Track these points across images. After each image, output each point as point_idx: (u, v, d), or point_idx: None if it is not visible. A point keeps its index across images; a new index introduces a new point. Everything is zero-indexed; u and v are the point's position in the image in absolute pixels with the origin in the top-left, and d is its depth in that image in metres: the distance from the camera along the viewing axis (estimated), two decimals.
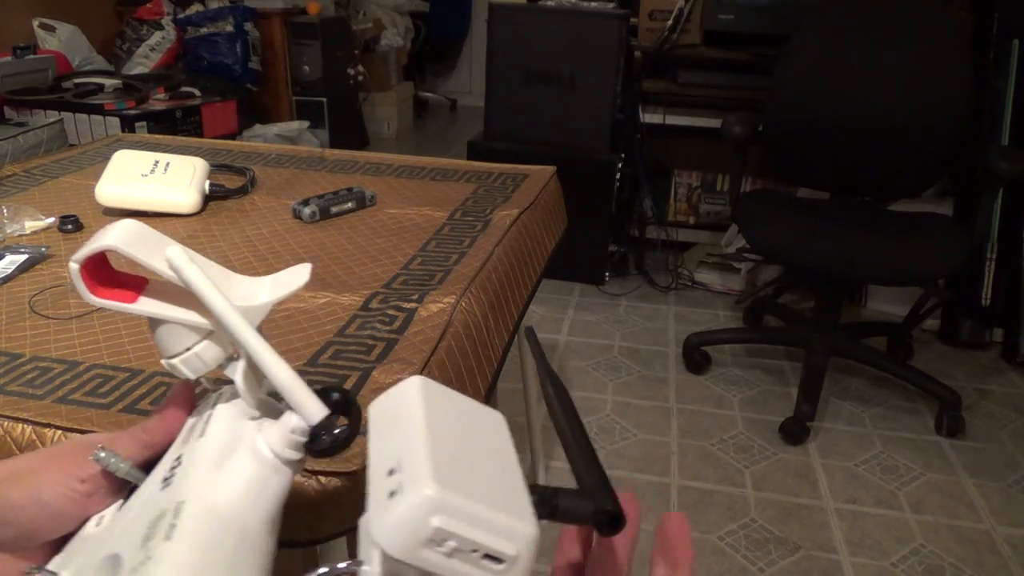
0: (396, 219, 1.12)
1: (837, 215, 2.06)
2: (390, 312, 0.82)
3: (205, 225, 1.08)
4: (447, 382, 0.73)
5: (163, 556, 0.32)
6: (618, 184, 2.68)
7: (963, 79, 1.98)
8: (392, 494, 0.31)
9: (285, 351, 0.74)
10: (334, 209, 1.12)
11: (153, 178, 1.11)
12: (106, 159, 1.15)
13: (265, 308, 0.41)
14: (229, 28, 3.28)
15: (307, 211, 1.09)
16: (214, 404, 0.41)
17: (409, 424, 0.34)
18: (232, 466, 0.37)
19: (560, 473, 1.78)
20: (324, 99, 3.71)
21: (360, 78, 4.09)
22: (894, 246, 1.85)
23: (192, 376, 0.41)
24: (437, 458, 0.32)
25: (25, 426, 0.62)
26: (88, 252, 0.38)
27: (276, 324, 0.79)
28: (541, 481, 1.64)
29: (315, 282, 0.89)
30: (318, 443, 0.38)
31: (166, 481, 0.37)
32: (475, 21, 5.45)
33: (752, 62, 2.56)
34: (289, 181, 1.29)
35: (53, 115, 2.43)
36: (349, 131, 4.01)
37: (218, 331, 0.40)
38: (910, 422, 2.03)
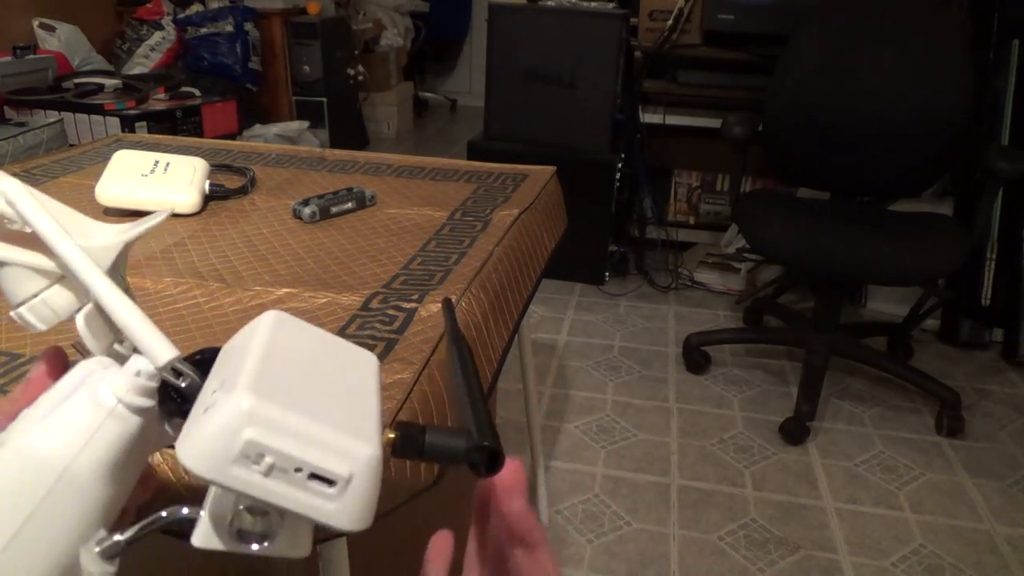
0: (396, 219, 1.12)
1: (837, 215, 2.06)
2: (390, 312, 0.82)
3: (205, 225, 1.08)
4: (447, 382, 0.73)
5: None
6: (618, 184, 2.68)
7: (963, 79, 1.98)
8: (207, 410, 0.29)
9: None
10: (334, 209, 1.12)
11: (153, 178, 1.11)
12: (106, 159, 1.15)
13: (114, 248, 0.38)
14: (229, 28, 3.28)
15: (307, 211, 1.09)
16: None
17: (246, 351, 0.32)
18: (62, 411, 0.34)
19: (559, 472, 1.78)
20: (324, 99, 3.71)
21: (360, 78, 4.09)
22: (894, 246, 1.85)
23: (42, 327, 0.37)
24: (263, 375, 0.29)
25: None
26: None
27: None
28: (540, 482, 1.64)
29: (315, 282, 0.89)
30: (182, 379, 0.35)
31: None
32: (475, 21, 5.45)
33: (752, 62, 2.56)
34: (289, 181, 1.29)
35: (53, 115, 2.43)
36: (349, 131, 4.00)
37: (69, 276, 0.36)
38: (910, 422, 2.03)
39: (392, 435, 0.32)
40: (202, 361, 0.36)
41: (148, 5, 3.31)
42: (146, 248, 0.99)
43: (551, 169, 1.38)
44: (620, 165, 2.66)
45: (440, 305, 0.82)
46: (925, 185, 2.18)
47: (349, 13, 4.24)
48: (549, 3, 2.68)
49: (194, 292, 0.86)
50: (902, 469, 1.84)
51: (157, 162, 1.14)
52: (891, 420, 2.03)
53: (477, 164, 1.40)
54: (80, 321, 0.36)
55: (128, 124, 2.43)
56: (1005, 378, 2.26)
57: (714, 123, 2.49)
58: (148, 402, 0.35)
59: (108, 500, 0.34)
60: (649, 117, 2.74)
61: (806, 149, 2.15)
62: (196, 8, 3.36)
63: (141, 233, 0.39)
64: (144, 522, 0.32)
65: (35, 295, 0.37)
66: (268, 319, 0.34)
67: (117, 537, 0.33)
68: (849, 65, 2.07)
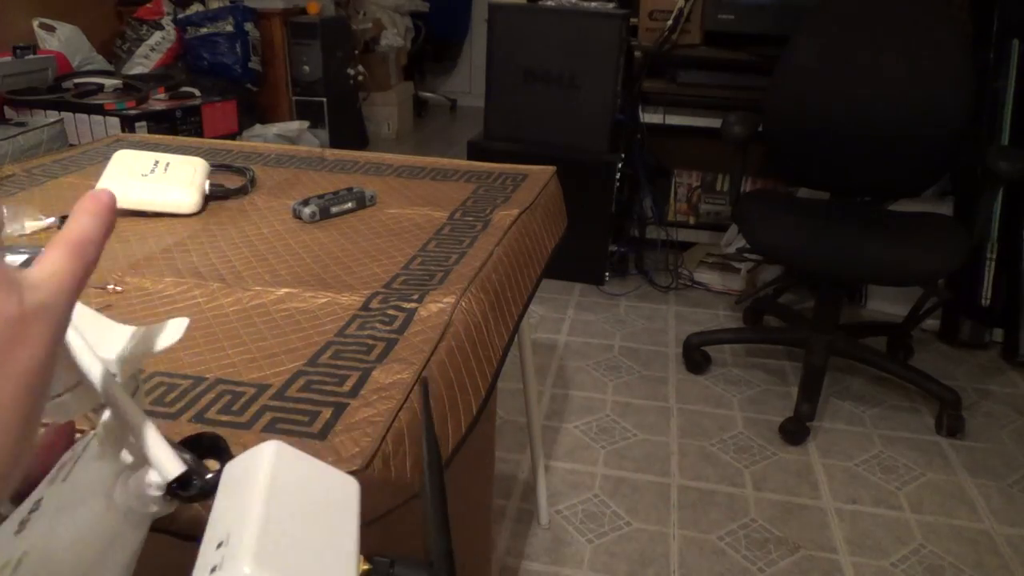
0: (396, 219, 1.12)
1: (837, 215, 2.06)
2: (390, 312, 0.82)
3: (205, 225, 1.08)
4: (447, 382, 0.73)
5: None
6: (618, 184, 2.68)
7: (963, 79, 1.98)
8: (213, 569, 0.31)
9: (285, 351, 0.74)
10: (334, 209, 1.12)
11: (153, 178, 1.11)
12: (106, 159, 1.15)
13: (134, 363, 0.41)
14: (229, 28, 3.28)
15: (307, 211, 1.09)
16: (87, 444, 0.41)
17: (249, 495, 0.34)
18: (83, 518, 0.37)
19: (559, 472, 1.78)
20: (324, 99, 3.71)
21: (360, 78, 4.09)
22: (894, 246, 1.85)
23: (62, 420, 0.40)
24: (265, 534, 0.32)
25: None
26: None
27: (276, 324, 0.79)
28: (540, 482, 1.64)
29: (315, 282, 0.89)
30: (190, 489, 0.39)
31: (21, 525, 0.38)
32: (475, 21, 5.45)
33: (752, 62, 2.56)
34: (289, 181, 1.29)
35: (53, 115, 2.43)
36: (349, 131, 4.00)
37: (86, 381, 0.40)
38: (910, 422, 2.03)
39: (366, 567, 0.36)
40: (199, 446, 0.40)
41: (148, 5, 3.31)
42: (146, 248, 0.99)
43: (551, 169, 1.38)
44: (620, 165, 2.66)
45: (440, 306, 0.82)
46: (925, 185, 2.18)
47: (349, 13, 4.24)
48: (549, 3, 2.68)
49: (194, 292, 0.86)
50: (902, 469, 1.84)
51: (157, 162, 1.14)
52: (891, 420, 2.03)
53: (477, 164, 1.40)
54: (100, 432, 0.39)
55: (128, 124, 2.43)
56: (1005, 378, 2.26)
57: (714, 123, 2.49)
58: (156, 508, 0.38)
59: None
60: (649, 117, 2.74)
61: (806, 149, 2.15)
62: (196, 8, 3.36)
63: (157, 352, 0.41)
64: None
65: (58, 396, 0.39)
66: (269, 453, 0.37)
67: None
68: (849, 65, 2.07)
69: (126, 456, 0.40)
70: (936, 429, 1.99)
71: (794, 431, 1.91)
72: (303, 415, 0.63)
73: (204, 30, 3.27)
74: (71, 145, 2.31)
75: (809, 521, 1.66)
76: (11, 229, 1.01)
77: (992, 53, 2.32)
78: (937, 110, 2.00)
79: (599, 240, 2.72)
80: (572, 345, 2.35)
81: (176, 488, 0.38)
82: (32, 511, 0.38)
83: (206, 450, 0.40)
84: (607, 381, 2.16)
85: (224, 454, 0.41)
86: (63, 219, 1.04)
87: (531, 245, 1.11)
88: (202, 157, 1.20)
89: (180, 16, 3.31)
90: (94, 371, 0.38)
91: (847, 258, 1.84)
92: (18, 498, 0.41)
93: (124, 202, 1.10)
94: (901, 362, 2.24)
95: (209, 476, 0.39)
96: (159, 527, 0.39)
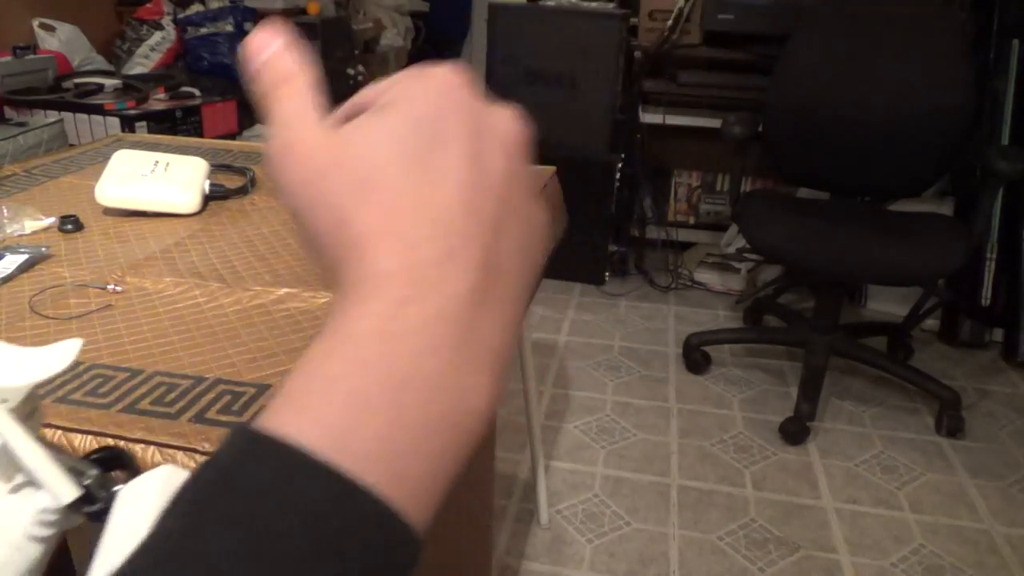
0: None
1: (837, 215, 2.06)
2: None
3: (205, 225, 1.08)
4: None
5: None
6: (618, 184, 2.68)
7: (963, 79, 1.98)
8: None
9: (285, 351, 0.74)
10: None
11: (153, 178, 1.11)
12: (106, 159, 1.15)
13: (23, 389, 0.40)
14: (229, 28, 3.28)
15: None
16: None
17: (138, 523, 0.34)
18: None
19: (559, 472, 1.78)
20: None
21: (360, 78, 4.09)
22: (894, 246, 1.85)
23: None
24: None
25: None
26: None
27: (276, 324, 0.79)
28: (540, 482, 1.64)
29: (315, 282, 0.89)
30: (96, 505, 0.39)
31: None
32: (475, 21, 5.45)
33: (752, 62, 2.56)
34: None
35: (53, 115, 2.43)
36: None
37: None
38: (910, 422, 2.03)
39: None
40: (104, 461, 0.40)
41: (148, 5, 3.32)
42: (146, 248, 0.99)
43: (551, 169, 1.37)
44: (620, 165, 2.66)
45: None
46: (925, 185, 2.18)
47: (349, 13, 4.24)
48: (549, 3, 2.68)
49: (194, 292, 0.86)
50: (902, 469, 1.84)
51: (157, 162, 1.14)
52: (891, 420, 2.03)
53: None
54: None
55: (128, 124, 2.43)
56: (1005, 378, 2.26)
57: (714, 123, 2.49)
58: (50, 532, 0.38)
59: None
60: (649, 117, 2.74)
61: (806, 149, 2.15)
62: (196, 8, 3.36)
63: (48, 378, 0.41)
64: None
65: None
66: (160, 478, 0.37)
67: None
68: (849, 65, 2.07)
69: (21, 482, 0.40)
70: (936, 429, 1.99)
71: (794, 431, 1.91)
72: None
73: (204, 30, 3.27)
74: (71, 145, 2.31)
75: (809, 521, 1.66)
76: (11, 229, 1.01)
77: (992, 53, 2.32)
78: (937, 110, 2.00)
79: (599, 240, 2.72)
80: (572, 345, 2.35)
81: (79, 505, 0.38)
82: None
83: (113, 462, 0.41)
84: (607, 381, 2.16)
85: (129, 467, 0.41)
86: (63, 219, 1.04)
87: None
88: (202, 157, 1.20)
89: (180, 16, 3.31)
90: None
91: (847, 258, 1.84)
92: None
93: (124, 202, 1.10)
94: (901, 362, 2.24)
95: (116, 488, 0.39)
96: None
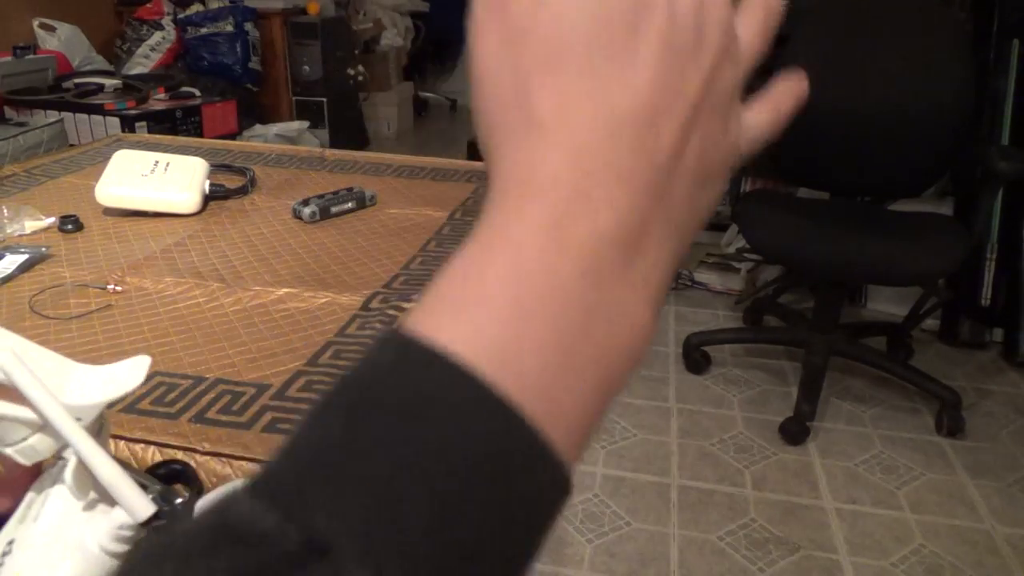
0: (396, 219, 1.12)
1: (837, 215, 2.06)
2: (390, 312, 0.82)
3: (205, 225, 1.08)
4: None
5: None
6: None
7: (963, 79, 1.98)
8: None
9: (285, 351, 0.74)
10: (334, 209, 1.12)
11: (153, 178, 1.11)
12: (106, 159, 1.15)
13: (97, 408, 0.42)
14: (229, 28, 3.28)
15: (307, 211, 1.09)
16: (54, 480, 0.42)
17: None
18: (57, 563, 0.38)
19: None
20: (324, 99, 3.71)
21: (360, 78, 4.09)
22: (894, 246, 1.85)
23: (27, 463, 0.42)
24: None
25: None
26: None
27: (276, 324, 0.79)
28: None
29: (315, 282, 0.89)
30: (163, 520, 0.40)
31: None
32: None
33: None
34: (289, 181, 1.29)
35: (53, 115, 2.42)
36: (349, 131, 4.00)
37: (48, 427, 0.42)
38: (910, 422, 2.03)
39: None
40: (166, 476, 0.41)
41: (148, 5, 3.32)
42: (146, 248, 0.99)
43: None
44: None
45: None
46: (925, 185, 2.18)
47: (349, 13, 4.24)
48: None
49: (194, 292, 0.86)
50: (902, 469, 1.84)
51: (157, 162, 1.14)
52: (891, 420, 2.03)
53: (477, 164, 1.40)
54: (68, 478, 0.40)
55: (128, 124, 2.43)
56: (1005, 378, 2.26)
57: None
58: (126, 547, 0.40)
59: None
60: None
61: (806, 149, 2.15)
62: (196, 8, 3.36)
63: (120, 396, 0.42)
64: None
65: (23, 439, 0.41)
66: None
67: None
68: (849, 65, 2.07)
69: (94, 497, 0.41)
70: (936, 429, 1.99)
71: (794, 431, 1.91)
72: (303, 415, 0.63)
73: (204, 30, 3.27)
74: (71, 145, 2.31)
75: (809, 521, 1.66)
76: (11, 229, 1.01)
77: (992, 53, 2.32)
78: (937, 110, 2.00)
79: None
80: None
81: (150, 520, 0.39)
82: (5, 554, 0.39)
83: (174, 476, 0.41)
84: None
85: (191, 481, 0.42)
86: (63, 219, 1.04)
87: None
88: (202, 157, 1.20)
89: (180, 16, 3.31)
90: (55, 418, 0.39)
91: (847, 258, 1.84)
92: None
93: (124, 202, 1.10)
94: (901, 362, 2.24)
95: (179, 501, 0.40)
96: None
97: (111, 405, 0.43)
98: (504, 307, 0.20)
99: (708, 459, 1.85)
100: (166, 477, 0.42)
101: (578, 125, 0.22)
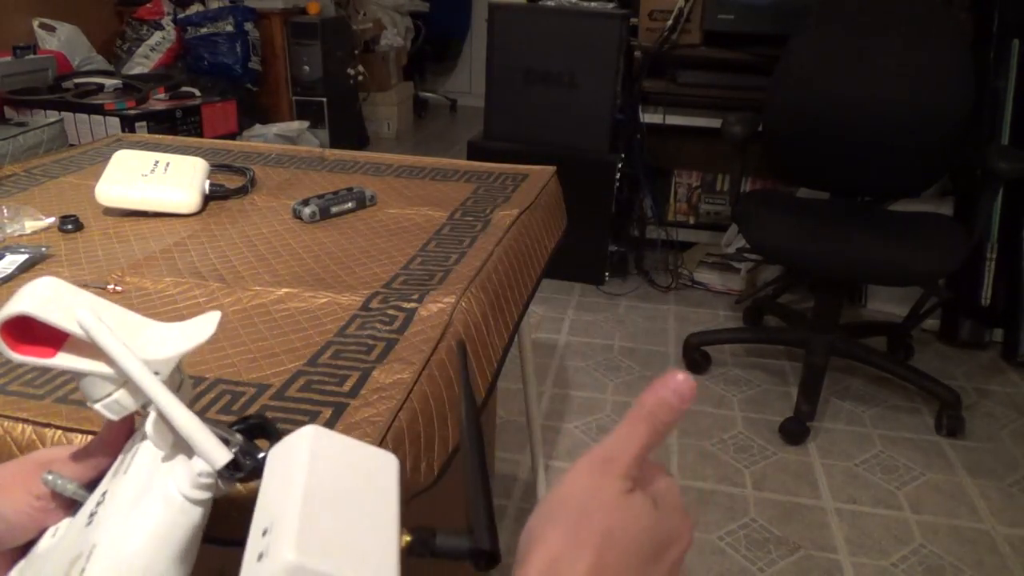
0: (396, 219, 1.12)
1: (837, 215, 2.06)
2: (390, 312, 0.82)
3: (205, 225, 1.08)
4: (447, 382, 0.73)
5: None
6: (618, 184, 2.68)
7: (963, 79, 1.98)
8: (260, 556, 0.33)
9: (285, 351, 0.74)
10: (334, 209, 1.12)
11: (153, 178, 1.11)
12: (106, 159, 1.15)
13: (173, 361, 0.44)
14: (229, 28, 3.28)
15: (307, 211, 1.09)
16: (142, 435, 0.44)
17: (290, 482, 0.36)
18: (143, 511, 0.41)
19: (560, 472, 1.78)
20: (324, 99, 3.71)
21: (360, 78, 4.09)
22: (894, 246, 1.85)
23: (115, 418, 0.44)
24: (307, 519, 0.34)
25: (25, 426, 0.62)
26: (6, 316, 0.41)
27: (276, 324, 0.79)
28: (540, 482, 1.64)
29: (315, 282, 0.89)
30: (243, 470, 0.42)
31: (91, 517, 0.41)
32: (475, 21, 5.45)
33: (752, 62, 2.56)
34: (289, 181, 1.29)
35: (53, 115, 2.42)
36: (349, 131, 4.00)
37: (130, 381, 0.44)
38: (910, 422, 2.03)
39: (408, 538, 0.38)
40: (247, 430, 0.44)
41: (148, 5, 3.32)
42: (146, 248, 0.99)
43: (551, 169, 1.38)
44: (620, 165, 2.66)
45: (440, 306, 0.82)
46: (925, 185, 2.18)
47: (349, 13, 4.24)
48: (549, 3, 2.68)
49: (194, 292, 0.86)
50: (902, 469, 1.84)
51: (157, 162, 1.14)
52: (891, 420, 2.03)
53: (477, 164, 1.40)
54: (149, 429, 0.42)
55: (128, 124, 2.43)
56: (1005, 378, 2.26)
57: (714, 123, 2.49)
58: (207, 494, 0.42)
59: None
60: (649, 117, 2.74)
61: (806, 149, 2.15)
62: (196, 8, 3.36)
63: (195, 347, 0.45)
64: None
65: (108, 395, 0.44)
66: (307, 439, 0.39)
67: None
68: (849, 65, 2.07)
69: (176, 447, 0.43)
70: (936, 429, 1.99)
71: (794, 431, 1.91)
72: (303, 415, 0.63)
73: (204, 30, 3.27)
74: (71, 145, 2.31)
75: (809, 521, 1.66)
76: (11, 229, 1.01)
77: (992, 53, 2.32)
78: (937, 110, 2.00)
79: (599, 240, 2.72)
80: (572, 345, 2.35)
81: (228, 471, 0.41)
82: (99, 503, 0.41)
83: (256, 431, 0.44)
84: (607, 381, 2.16)
85: (272, 434, 0.44)
86: (63, 219, 1.04)
87: (531, 245, 1.11)
88: (202, 157, 1.20)
89: (180, 16, 3.31)
90: (135, 372, 0.41)
91: (847, 258, 1.84)
92: (91, 486, 0.45)
93: (124, 202, 1.10)
94: (901, 362, 2.24)
95: (261, 455, 0.42)
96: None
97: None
98: None
99: (708, 459, 1.85)
100: (247, 432, 0.43)
101: None
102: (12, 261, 0.91)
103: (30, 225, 1.03)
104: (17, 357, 0.42)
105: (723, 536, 1.61)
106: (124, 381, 0.43)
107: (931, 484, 1.79)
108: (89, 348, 0.43)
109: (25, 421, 0.62)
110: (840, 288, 2.10)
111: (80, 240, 1.01)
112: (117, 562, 0.39)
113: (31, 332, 0.42)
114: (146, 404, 0.43)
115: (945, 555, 1.57)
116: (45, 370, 0.70)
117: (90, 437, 0.61)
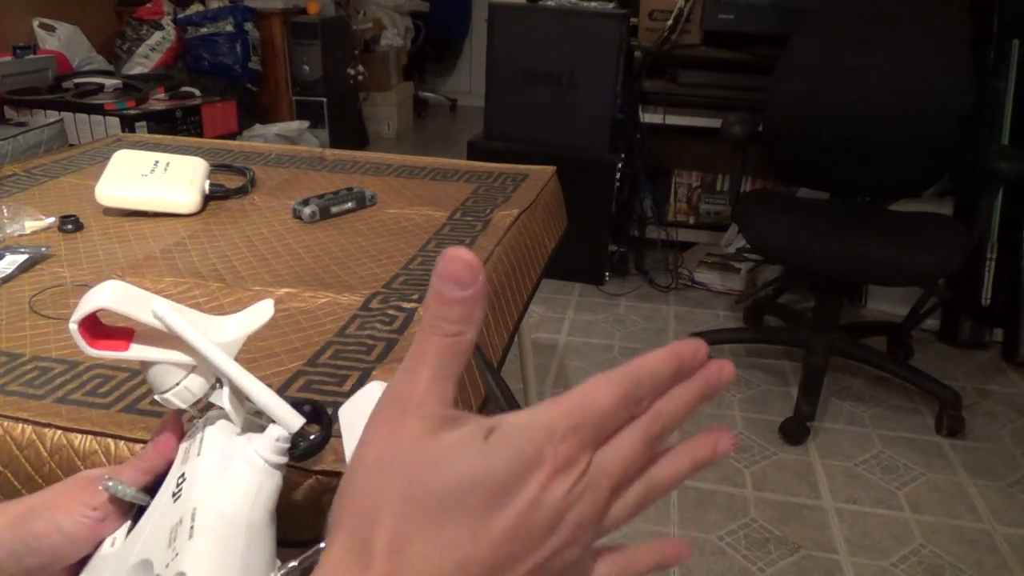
0: (396, 219, 1.12)
1: (837, 215, 2.06)
2: (390, 312, 0.82)
3: (205, 225, 1.08)
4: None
5: (190, 550, 0.39)
6: (618, 184, 2.68)
7: (963, 79, 1.98)
8: None
9: (285, 351, 0.74)
10: (334, 209, 1.12)
11: (153, 178, 1.11)
12: (106, 159, 1.15)
13: (239, 342, 0.47)
14: (229, 28, 3.28)
15: (307, 211, 1.09)
16: (203, 428, 0.47)
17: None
18: (231, 475, 0.43)
19: None
20: (324, 99, 3.71)
21: (360, 78, 4.09)
22: (894, 246, 1.84)
23: (184, 406, 0.47)
24: None
25: (25, 426, 0.62)
26: (84, 312, 0.43)
27: (276, 324, 0.79)
28: None
29: (315, 282, 0.89)
30: (297, 449, 0.46)
31: (175, 495, 0.43)
32: (475, 21, 5.45)
33: (752, 62, 2.56)
34: (289, 181, 1.29)
35: (53, 115, 2.42)
36: (349, 131, 4.00)
37: (201, 365, 0.46)
38: (910, 422, 2.03)
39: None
40: (312, 413, 0.47)
41: (148, 5, 3.32)
42: (146, 248, 0.99)
43: (551, 169, 1.38)
44: (620, 165, 2.66)
45: None
46: (925, 185, 2.18)
47: (349, 13, 4.24)
48: (549, 3, 2.68)
49: (194, 292, 0.86)
50: (902, 469, 1.84)
51: (157, 162, 1.14)
52: (891, 420, 2.03)
53: (477, 164, 1.40)
54: (226, 404, 0.46)
55: (128, 124, 2.43)
56: (1005, 378, 2.26)
57: (714, 123, 2.49)
58: (284, 459, 0.45)
59: (273, 538, 0.44)
60: (649, 117, 2.74)
61: (806, 149, 2.15)
62: (196, 8, 3.36)
63: (257, 329, 0.48)
64: (309, 552, 0.41)
65: (178, 383, 0.46)
66: (376, 391, 0.41)
67: (292, 564, 0.41)
68: (849, 65, 2.07)
69: (247, 422, 0.47)
70: (936, 429, 1.99)
71: (794, 431, 1.91)
72: None
73: (204, 30, 3.27)
74: (71, 145, 2.31)
75: (809, 521, 1.66)
76: (11, 229, 1.01)
77: (992, 53, 2.32)
78: (937, 110, 2.00)
79: (599, 240, 2.72)
80: (572, 345, 2.35)
81: (298, 438, 0.45)
82: (180, 483, 0.44)
83: (312, 415, 0.47)
84: None
85: (323, 416, 0.48)
86: (63, 219, 1.04)
87: (531, 245, 1.11)
88: (202, 157, 1.20)
89: (180, 16, 3.31)
90: (211, 354, 0.44)
91: (847, 258, 1.84)
92: (149, 491, 0.47)
93: (124, 202, 1.10)
94: (901, 362, 2.24)
95: (312, 437, 0.47)
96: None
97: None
98: None
99: None
100: (304, 415, 0.46)
101: (406, 565, 0.26)
102: (12, 261, 0.91)
103: (30, 225, 1.03)
104: (95, 352, 0.44)
105: (723, 536, 1.61)
106: (193, 367, 0.46)
107: (931, 484, 1.79)
108: (159, 339, 0.45)
109: (25, 421, 0.62)
110: (840, 288, 2.10)
111: (80, 240, 1.01)
112: (222, 515, 0.41)
113: (103, 329, 0.45)
114: (209, 390, 0.47)
115: (945, 555, 1.57)
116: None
117: (89, 438, 0.61)
